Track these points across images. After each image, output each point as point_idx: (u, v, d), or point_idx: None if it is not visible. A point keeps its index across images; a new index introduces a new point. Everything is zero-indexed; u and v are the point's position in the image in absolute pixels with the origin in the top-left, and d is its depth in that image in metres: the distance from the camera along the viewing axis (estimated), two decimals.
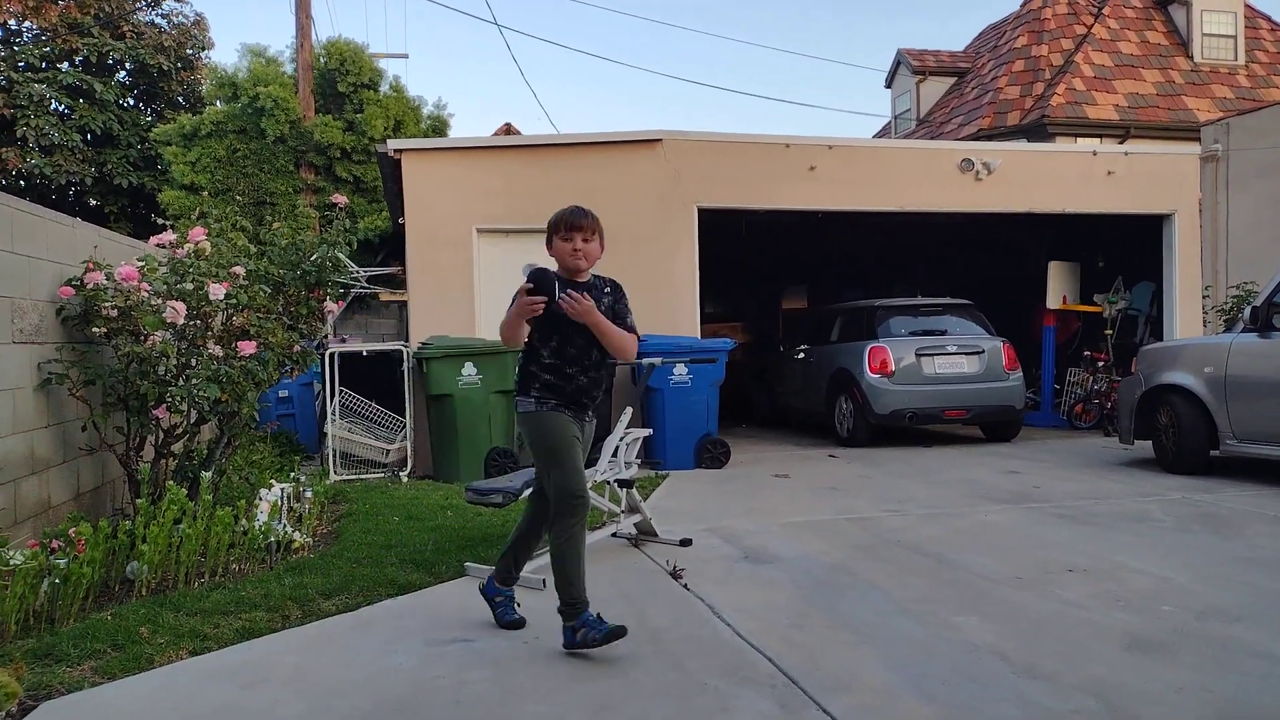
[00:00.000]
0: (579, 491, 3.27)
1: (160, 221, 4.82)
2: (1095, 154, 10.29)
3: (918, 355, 9.08)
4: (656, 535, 4.97)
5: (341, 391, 7.75)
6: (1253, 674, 2.96)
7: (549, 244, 3.37)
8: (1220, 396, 6.71)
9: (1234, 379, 6.63)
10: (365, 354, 8.03)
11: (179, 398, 4.53)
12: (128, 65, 17.03)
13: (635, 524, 4.97)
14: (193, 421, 4.94)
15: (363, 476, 7.52)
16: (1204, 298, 10.56)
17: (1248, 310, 6.77)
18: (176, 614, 3.69)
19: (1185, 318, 10.23)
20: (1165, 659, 3.12)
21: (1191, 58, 17.73)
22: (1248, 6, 18.34)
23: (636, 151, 8.72)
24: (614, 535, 4.92)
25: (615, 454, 5.02)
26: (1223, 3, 17.88)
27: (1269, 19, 18.94)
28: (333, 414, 7.60)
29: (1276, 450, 6.39)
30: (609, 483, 4.93)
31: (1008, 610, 3.71)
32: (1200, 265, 10.66)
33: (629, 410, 5.29)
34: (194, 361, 4.67)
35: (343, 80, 15.05)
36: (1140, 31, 18.02)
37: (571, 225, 3.31)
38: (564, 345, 3.29)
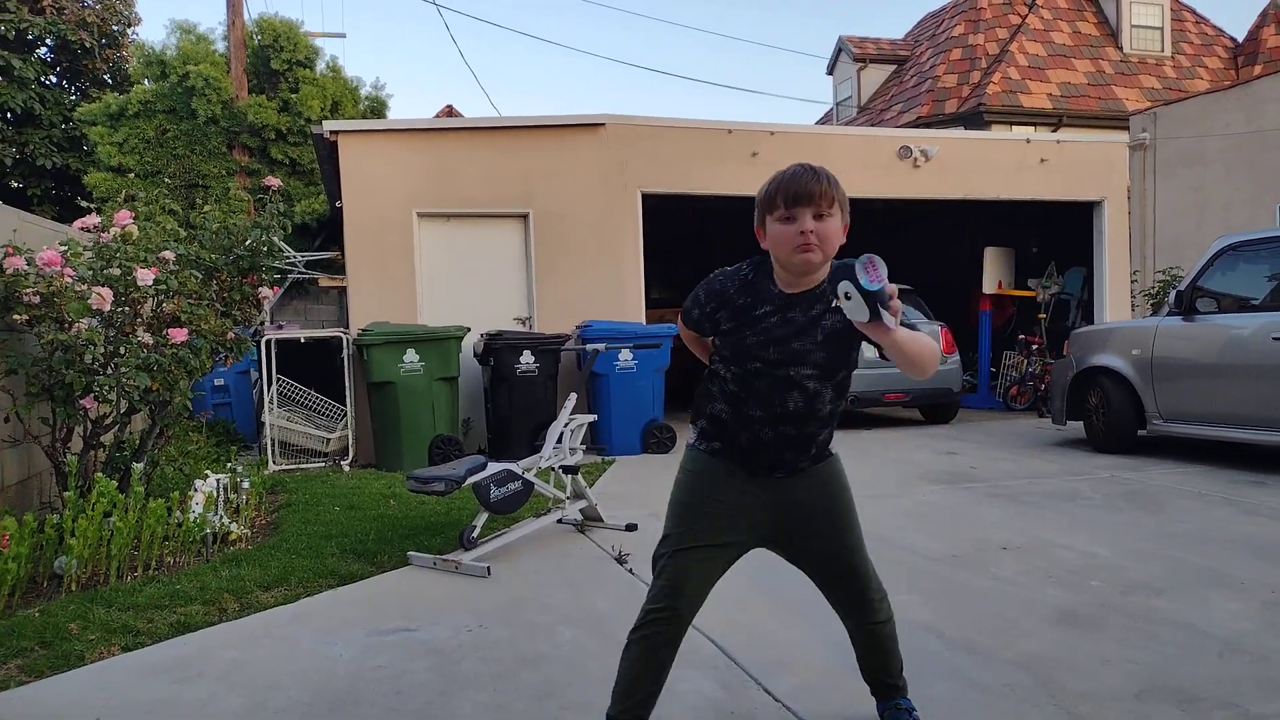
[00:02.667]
0: (650, 602, 2.28)
1: (86, 205, 4.61)
2: (1029, 142, 10.53)
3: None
4: (602, 521, 4.98)
5: (279, 379, 7.59)
6: (1173, 644, 3.09)
7: (759, 226, 2.20)
8: (1147, 378, 6.94)
9: (1160, 361, 6.86)
10: (303, 341, 7.86)
11: (107, 387, 4.39)
12: (48, 41, 16.34)
13: (581, 510, 4.97)
14: (123, 411, 4.79)
15: (303, 466, 7.38)
16: (1132, 282, 10.92)
17: (1173, 295, 7.00)
18: (108, 609, 3.59)
19: (1115, 302, 10.56)
20: (1093, 632, 3.22)
21: (1121, 48, 18.23)
22: None
23: (580, 135, 8.66)
24: (559, 521, 4.91)
25: (560, 440, 5.01)
26: None
27: (1194, 12, 19.55)
28: (270, 402, 7.43)
29: (1200, 429, 6.64)
30: (554, 469, 4.92)
31: (944, 588, 3.80)
32: (1129, 251, 11.02)
33: (573, 396, 5.28)
34: (122, 349, 4.52)
35: (276, 58, 14.64)
36: (1072, 22, 18.46)
37: (797, 195, 2.08)
38: (746, 372, 2.20)
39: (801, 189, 2.08)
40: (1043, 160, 10.24)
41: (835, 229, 2.12)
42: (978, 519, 5.09)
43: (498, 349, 7.57)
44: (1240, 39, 19.19)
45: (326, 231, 13.50)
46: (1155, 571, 3.95)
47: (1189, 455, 7.00)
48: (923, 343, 2.07)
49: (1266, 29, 18.56)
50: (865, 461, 7.25)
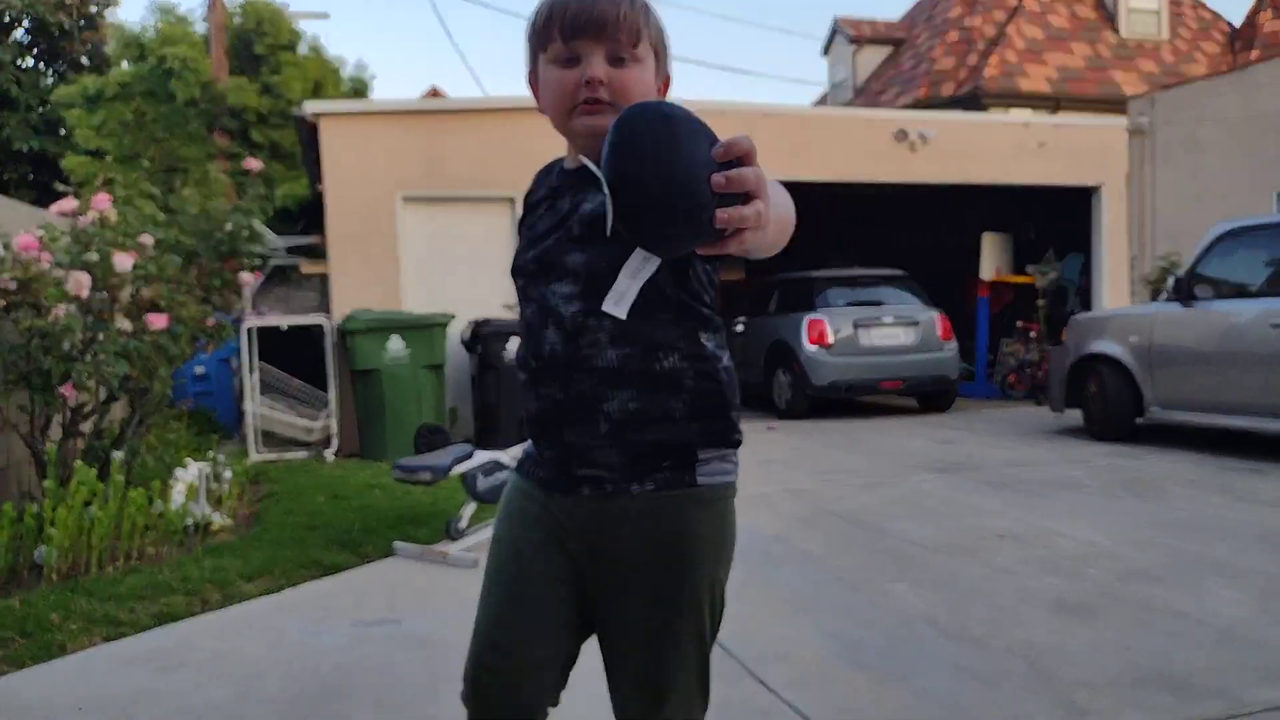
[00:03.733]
0: (467, 671, 1.51)
1: (63, 189, 4.54)
2: (1027, 125, 10.46)
3: (855, 327, 9.16)
4: None
5: (261, 367, 7.49)
6: (1169, 633, 3.05)
7: (530, 76, 1.45)
8: (1145, 365, 6.89)
9: (1158, 348, 6.81)
10: (285, 328, 7.75)
11: (86, 374, 4.30)
12: (25, 23, 16.13)
13: None
14: (102, 399, 4.71)
15: (285, 456, 7.30)
16: (1131, 268, 10.86)
17: (1172, 281, 6.95)
18: (89, 599, 3.53)
19: (1113, 288, 10.52)
20: (1089, 620, 3.19)
21: (1118, 32, 18.13)
22: None
23: None
24: None
25: None
26: None
27: None
28: (252, 391, 7.34)
29: (1198, 417, 6.60)
30: None
31: (940, 577, 3.74)
32: (1128, 237, 10.95)
33: None
34: (101, 336, 4.43)
35: (260, 42, 14.48)
36: (1069, 5, 18.34)
37: (580, 23, 1.33)
38: (522, 308, 1.48)
39: (588, 13, 1.31)
40: (1041, 144, 10.15)
41: (643, 81, 1.35)
42: (974, 507, 5.03)
43: (485, 336, 7.48)
44: (1237, 24, 19.11)
45: (309, 216, 13.36)
46: (1153, 559, 3.90)
47: (1186, 443, 6.95)
48: (784, 214, 1.24)
49: (1263, 13, 18.47)
50: (861, 450, 7.20)
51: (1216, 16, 19.31)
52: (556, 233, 1.40)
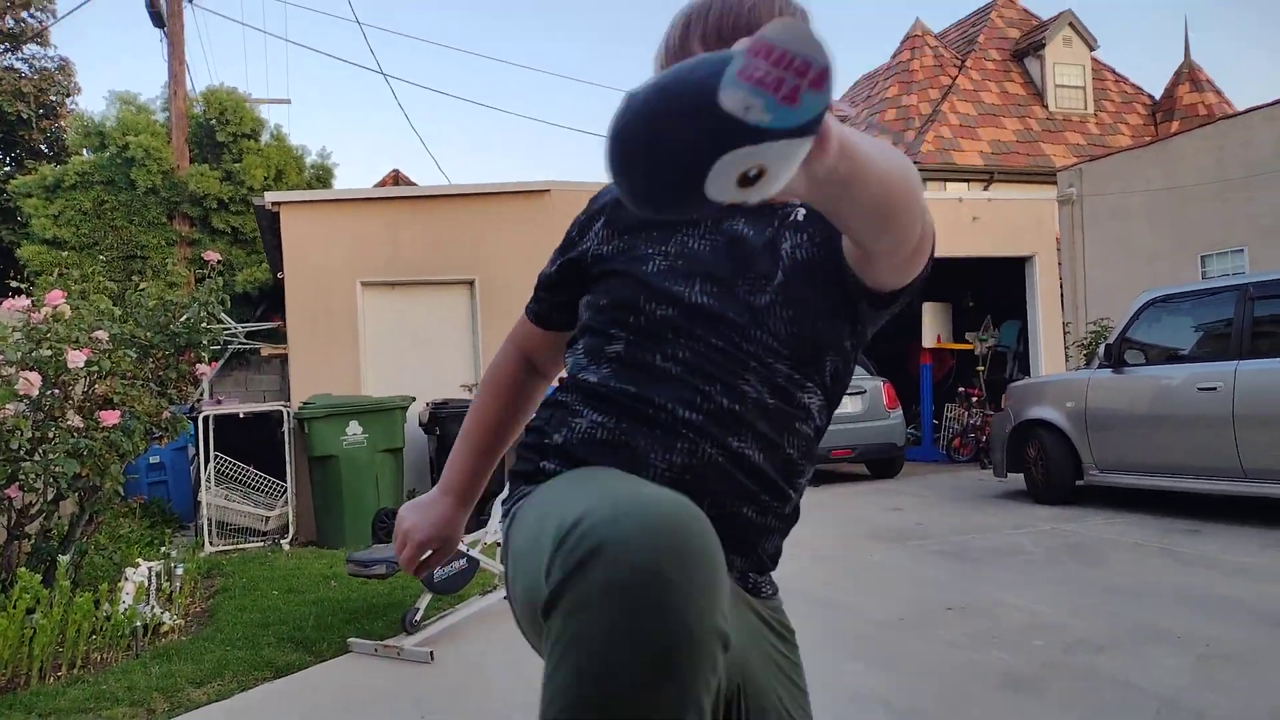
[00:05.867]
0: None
1: (17, 283, 4.49)
2: (962, 200, 10.89)
3: None
4: None
5: (217, 457, 7.41)
6: (1114, 703, 3.13)
7: None
8: (1082, 429, 7.12)
9: (1093, 412, 7.05)
10: (242, 416, 7.71)
11: (34, 475, 4.24)
12: None
13: None
14: (50, 499, 4.63)
15: (241, 546, 7.17)
16: (1065, 333, 11.26)
17: (1103, 348, 7.24)
18: (27, 715, 3.42)
19: (1049, 353, 10.88)
20: (1036, 695, 3.26)
21: (1047, 107, 19.03)
22: (1094, 60, 19.85)
23: (525, 201, 8.75)
24: (506, 598, 4.83)
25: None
26: (1072, 56, 19.32)
27: (1113, 71, 20.52)
28: (207, 481, 7.25)
29: (1134, 479, 6.82)
30: (499, 544, 4.85)
31: (892, 654, 3.81)
32: (1060, 303, 11.37)
33: None
34: (51, 434, 4.38)
35: (222, 130, 14.59)
36: (1000, 82, 19.24)
37: (720, 32, 1.11)
38: (649, 328, 1.19)
39: (732, 16, 1.10)
40: (975, 219, 10.58)
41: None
42: (923, 578, 5.13)
43: (443, 418, 7.50)
44: (1157, 96, 20.16)
45: (268, 300, 13.34)
46: (1095, 628, 4.01)
47: (1125, 504, 7.16)
48: (892, 156, 0.93)
49: (1181, 86, 19.55)
50: (813, 522, 7.27)
51: (1138, 90, 20.37)
52: (738, 265, 1.20)
